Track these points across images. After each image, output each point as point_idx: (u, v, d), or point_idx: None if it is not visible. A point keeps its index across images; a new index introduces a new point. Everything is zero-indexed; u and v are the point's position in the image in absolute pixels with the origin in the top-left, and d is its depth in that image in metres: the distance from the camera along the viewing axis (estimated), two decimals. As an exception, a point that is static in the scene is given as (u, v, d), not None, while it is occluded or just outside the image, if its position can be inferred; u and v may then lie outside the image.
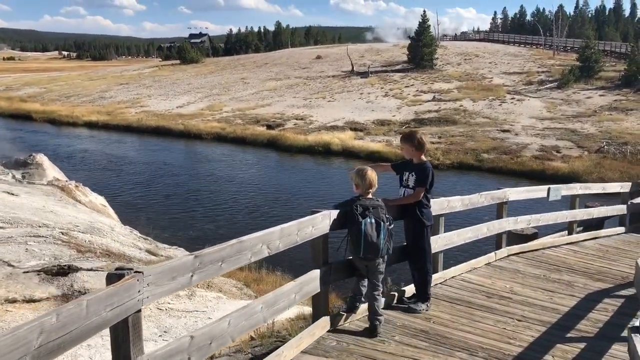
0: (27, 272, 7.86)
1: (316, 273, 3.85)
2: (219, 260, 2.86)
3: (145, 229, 15.17)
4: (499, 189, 6.51)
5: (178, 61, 77.58)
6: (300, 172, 25.08)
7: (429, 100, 38.23)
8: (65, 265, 8.05)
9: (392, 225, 4.16)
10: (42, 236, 10.23)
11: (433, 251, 5.02)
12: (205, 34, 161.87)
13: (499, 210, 6.59)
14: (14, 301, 7.05)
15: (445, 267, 5.69)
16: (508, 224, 6.67)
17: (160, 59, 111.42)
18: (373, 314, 4.16)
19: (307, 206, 18.61)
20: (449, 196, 5.73)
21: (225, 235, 15.95)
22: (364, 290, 4.29)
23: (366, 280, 4.25)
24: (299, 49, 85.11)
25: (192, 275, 2.67)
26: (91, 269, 8.20)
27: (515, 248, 6.86)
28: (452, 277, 5.56)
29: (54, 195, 14.76)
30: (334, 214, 4.00)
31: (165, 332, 6.91)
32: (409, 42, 54.83)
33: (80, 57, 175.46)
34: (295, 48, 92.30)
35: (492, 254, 6.46)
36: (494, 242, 6.78)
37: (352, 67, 53.21)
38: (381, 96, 41.18)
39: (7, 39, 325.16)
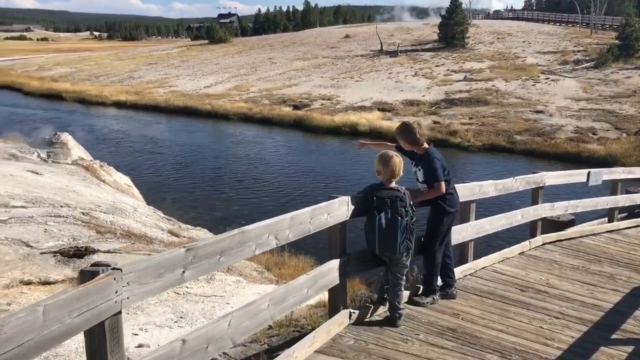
0: (44, 253, 7.72)
1: (333, 264, 3.51)
2: (217, 254, 2.53)
3: (169, 210, 15.06)
4: (535, 172, 6.05)
5: (206, 41, 77.43)
6: (326, 153, 24.72)
7: (460, 80, 37.31)
8: (82, 247, 7.89)
9: (414, 219, 3.77)
10: (63, 216, 10.11)
11: (462, 240, 4.65)
12: (234, 14, 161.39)
13: (534, 195, 6.14)
14: (29, 283, 6.90)
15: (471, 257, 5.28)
16: (544, 210, 6.21)
17: (190, 39, 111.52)
18: (393, 309, 3.83)
19: (333, 188, 18.34)
20: (479, 180, 5.29)
21: (250, 217, 15.75)
22: None
23: None
24: (328, 28, 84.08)
25: (183, 272, 2.35)
26: (108, 251, 8.02)
27: (552, 236, 6.40)
28: (483, 268, 5.16)
29: (78, 174, 14.71)
30: (353, 200, 3.65)
31: (181, 317, 6.69)
32: (440, 20, 53.61)
33: (111, 38, 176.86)
34: (324, 27, 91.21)
35: (526, 242, 6.02)
36: (523, 230, 6.32)
37: (381, 47, 52.25)
38: (410, 76, 40.34)
39: (40, 20, 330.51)
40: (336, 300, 3.66)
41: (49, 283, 6.98)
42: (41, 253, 7.61)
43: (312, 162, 22.69)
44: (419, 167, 4.22)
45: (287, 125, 30.42)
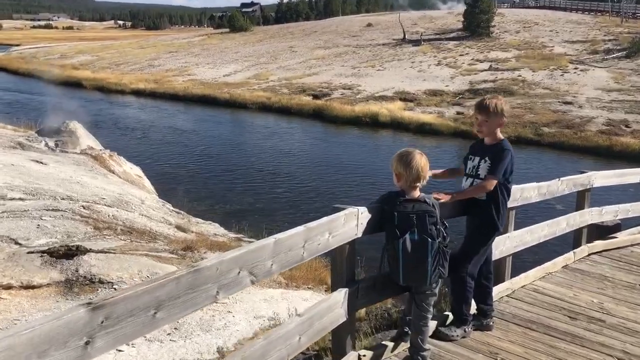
0: (31, 252, 7.06)
1: (337, 298, 2.67)
2: (151, 307, 1.71)
3: (180, 202, 14.48)
4: (581, 172, 5.19)
5: (227, 30, 76.83)
6: (346, 145, 23.87)
7: (485, 70, 36.11)
8: (73, 246, 7.21)
9: (448, 239, 2.95)
10: (61, 210, 9.47)
11: (500, 255, 3.84)
12: (257, 3, 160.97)
13: (579, 199, 5.28)
14: (9, 287, 6.23)
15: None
16: (591, 216, 5.35)
17: (212, 28, 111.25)
18: (415, 350, 3.02)
19: (351, 181, 17.53)
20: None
21: (264, 211, 15.05)
22: None
23: None
24: (349, 17, 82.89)
25: (87, 343, 1.54)
26: (102, 251, 7.34)
27: (598, 245, 5.52)
28: (522, 287, 4.32)
29: (85, 164, 14.11)
30: (365, 211, 2.82)
31: (175, 329, 6.01)
32: (465, 8, 52.21)
33: (134, 27, 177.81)
34: (346, 16, 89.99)
35: (570, 253, 5.16)
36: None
37: (404, 35, 51.10)
38: (434, 65, 39.21)
39: (66, 8, 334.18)
40: (341, 342, 2.84)
41: (32, 287, 6.33)
42: (28, 252, 6.97)
43: (332, 153, 21.88)
44: (486, 158, 3.38)
45: (306, 115, 29.63)
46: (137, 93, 38.76)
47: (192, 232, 11.52)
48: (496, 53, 41.40)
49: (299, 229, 2.41)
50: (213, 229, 12.55)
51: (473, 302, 3.56)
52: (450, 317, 3.55)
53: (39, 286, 6.38)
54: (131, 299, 1.70)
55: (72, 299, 6.23)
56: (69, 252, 7.02)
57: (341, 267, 2.78)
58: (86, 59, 58.35)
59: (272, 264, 2.26)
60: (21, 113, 26.08)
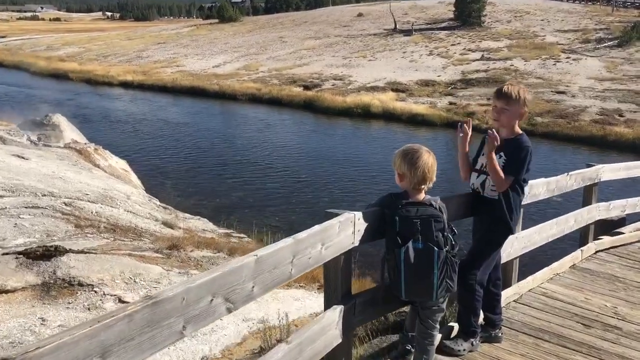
0: (6, 254, 6.69)
1: (331, 317, 2.32)
2: (94, 356, 1.33)
3: (168, 197, 14.16)
4: (589, 165, 4.88)
5: (216, 20, 76.07)
6: (338, 136, 23.52)
7: (477, 60, 35.83)
8: (51, 246, 6.83)
9: (457, 247, 2.61)
10: (41, 207, 9.08)
11: (507, 258, 3.53)
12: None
13: (587, 193, 4.97)
14: (-19, 292, 5.89)
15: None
16: (599, 211, 5.05)
17: (202, 19, 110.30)
18: None
19: (343, 173, 17.19)
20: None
21: (254, 205, 14.70)
22: None
23: None
24: (340, 7, 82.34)
25: None
26: (82, 251, 6.96)
27: (605, 242, 5.24)
28: (530, 290, 4.02)
29: (69, 159, 13.69)
30: (362, 217, 2.48)
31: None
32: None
33: (123, 18, 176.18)
34: (336, 6, 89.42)
35: (578, 252, 4.86)
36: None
37: (395, 25, 50.71)
38: (425, 55, 38.89)
39: (53, 0, 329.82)
40: (336, 367, 2.52)
41: (6, 292, 5.96)
42: (3, 254, 6.59)
43: (324, 145, 21.51)
44: (501, 153, 3.05)
45: (296, 106, 29.24)
46: (125, 85, 38.24)
47: (180, 228, 11.17)
48: (488, 43, 41.14)
49: (286, 241, 2.05)
50: (201, 225, 12.20)
51: (481, 312, 3.24)
52: (456, 328, 3.23)
53: (14, 290, 6.02)
54: (65, 347, 1.29)
55: (49, 304, 5.88)
56: (47, 253, 6.64)
57: (335, 280, 2.43)
58: (73, 51, 57.53)
59: (253, 286, 1.89)
60: (6, 106, 25.55)
